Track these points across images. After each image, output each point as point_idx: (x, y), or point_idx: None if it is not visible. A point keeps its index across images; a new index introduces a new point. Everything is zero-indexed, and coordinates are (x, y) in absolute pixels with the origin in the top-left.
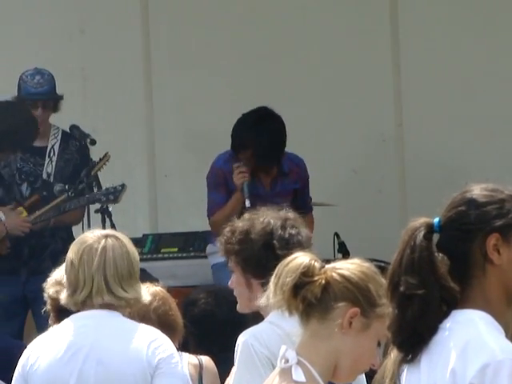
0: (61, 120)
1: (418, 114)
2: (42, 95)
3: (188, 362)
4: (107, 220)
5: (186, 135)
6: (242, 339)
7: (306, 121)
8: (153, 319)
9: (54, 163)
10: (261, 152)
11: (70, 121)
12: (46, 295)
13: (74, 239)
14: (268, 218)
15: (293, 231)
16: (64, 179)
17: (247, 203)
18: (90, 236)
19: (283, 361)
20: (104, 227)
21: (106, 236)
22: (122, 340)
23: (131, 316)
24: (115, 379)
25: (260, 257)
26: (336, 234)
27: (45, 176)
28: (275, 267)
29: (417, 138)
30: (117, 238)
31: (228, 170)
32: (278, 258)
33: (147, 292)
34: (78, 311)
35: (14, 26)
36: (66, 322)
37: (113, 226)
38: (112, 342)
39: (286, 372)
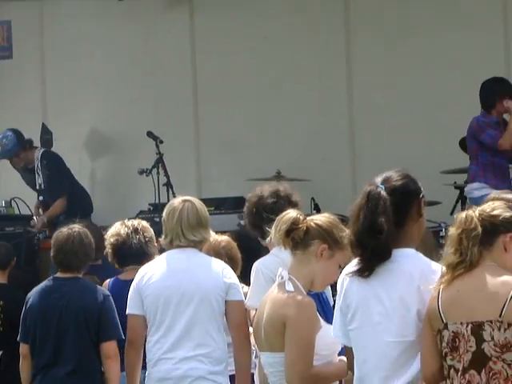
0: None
1: None
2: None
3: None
4: (170, 190)
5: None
6: (255, 265)
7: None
8: (222, 254)
9: (40, 177)
10: None
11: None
12: (106, 243)
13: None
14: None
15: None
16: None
17: None
18: (175, 201)
19: (279, 278)
20: (174, 195)
21: (185, 201)
22: (205, 267)
23: (208, 252)
24: (205, 292)
25: None
26: (312, 198)
27: (37, 186)
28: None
29: None
30: (191, 201)
31: (485, 121)
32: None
33: (213, 235)
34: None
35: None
36: (166, 254)
37: (173, 194)
38: (199, 268)
39: (281, 285)
